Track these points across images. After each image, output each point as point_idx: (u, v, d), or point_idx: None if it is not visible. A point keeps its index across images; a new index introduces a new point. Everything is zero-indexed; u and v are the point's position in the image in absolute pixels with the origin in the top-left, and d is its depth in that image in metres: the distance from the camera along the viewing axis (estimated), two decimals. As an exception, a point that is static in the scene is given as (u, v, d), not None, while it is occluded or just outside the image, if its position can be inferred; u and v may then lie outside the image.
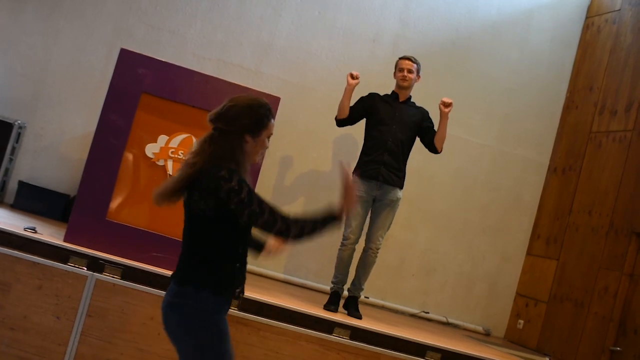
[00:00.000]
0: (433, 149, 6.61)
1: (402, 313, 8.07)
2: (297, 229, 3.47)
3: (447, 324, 8.17)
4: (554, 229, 8.19)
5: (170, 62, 6.34)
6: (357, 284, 6.49)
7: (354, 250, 6.42)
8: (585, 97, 8.32)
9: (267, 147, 3.67)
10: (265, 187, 7.59)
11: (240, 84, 6.92)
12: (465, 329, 8.20)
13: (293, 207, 7.92)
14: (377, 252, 6.44)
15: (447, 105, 6.45)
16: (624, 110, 7.67)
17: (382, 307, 8.03)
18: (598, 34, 8.39)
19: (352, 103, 6.54)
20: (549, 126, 8.63)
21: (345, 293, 6.59)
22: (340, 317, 5.98)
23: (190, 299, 3.46)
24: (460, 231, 8.38)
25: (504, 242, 8.50)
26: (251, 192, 3.44)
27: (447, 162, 8.20)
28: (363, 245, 6.52)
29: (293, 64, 8.01)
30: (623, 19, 8.07)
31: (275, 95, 6.01)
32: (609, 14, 8.31)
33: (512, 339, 8.27)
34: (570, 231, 7.94)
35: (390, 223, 6.53)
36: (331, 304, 6.29)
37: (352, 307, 6.36)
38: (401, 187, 6.50)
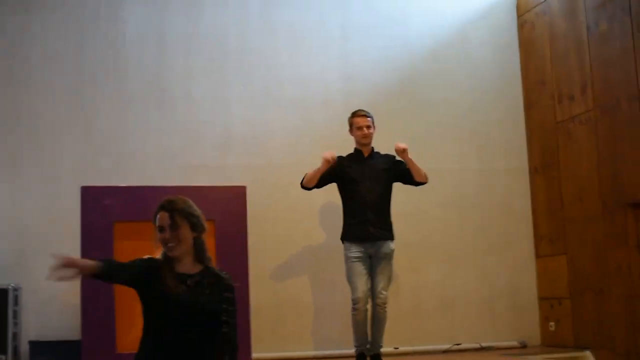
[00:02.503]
0: (418, 184, 6.73)
1: (435, 353, 8.01)
2: None
3: (482, 349, 8.11)
4: (552, 226, 8.20)
5: (139, 182, 6.46)
6: (375, 343, 6.51)
7: (367, 310, 6.43)
8: (540, 92, 8.42)
9: (159, 239, 3.76)
10: (265, 270, 7.66)
11: (207, 182, 7.05)
12: (501, 349, 8.12)
13: (299, 282, 7.95)
14: (386, 307, 6.45)
15: (402, 150, 6.56)
16: (580, 92, 7.76)
17: (414, 353, 7.97)
18: (534, 30, 8.54)
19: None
20: (517, 130, 8.68)
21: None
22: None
23: None
24: (466, 257, 8.36)
25: (511, 253, 8.48)
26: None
27: (433, 195, 8.18)
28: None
29: (255, 147, 8.05)
30: (552, 8, 8.22)
31: (242, 184, 6.13)
32: (537, 7, 8.46)
33: (550, 343, 8.20)
34: (568, 223, 7.95)
35: (391, 275, 6.56)
36: None
37: None
38: (392, 239, 6.56)
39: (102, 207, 5.75)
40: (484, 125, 8.62)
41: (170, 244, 3.62)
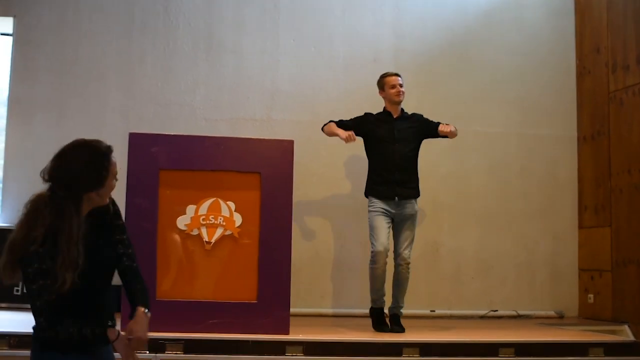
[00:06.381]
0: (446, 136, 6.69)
1: (472, 317, 7.99)
2: None
3: (518, 317, 8.08)
4: (599, 196, 8.08)
5: (185, 132, 6.48)
6: (396, 303, 6.49)
7: (386, 264, 6.37)
8: (594, 60, 8.24)
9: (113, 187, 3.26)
10: (305, 227, 7.70)
11: (254, 136, 7.07)
12: (537, 318, 8.07)
13: (339, 240, 7.95)
14: (409, 267, 6.41)
15: (448, 132, 6.52)
16: (635, 62, 7.58)
17: (451, 317, 7.96)
18: (591, -5, 8.36)
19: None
20: (567, 97, 8.54)
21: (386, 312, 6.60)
22: (400, 336, 6.06)
23: None
24: (507, 223, 8.29)
25: (553, 222, 8.38)
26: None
27: (477, 158, 8.20)
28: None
29: (302, 104, 8.07)
30: (611, -26, 8.03)
31: (288, 139, 6.10)
32: (596, -27, 8.27)
33: (587, 315, 8.13)
34: (615, 195, 7.83)
35: (414, 236, 6.50)
36: (381, 324, 6.38)
37: (394, 323, 6.40)
38: (418, 196, 6.56)
39: (149, 155, 5.75)
40: (534, 91, 8.49)
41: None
